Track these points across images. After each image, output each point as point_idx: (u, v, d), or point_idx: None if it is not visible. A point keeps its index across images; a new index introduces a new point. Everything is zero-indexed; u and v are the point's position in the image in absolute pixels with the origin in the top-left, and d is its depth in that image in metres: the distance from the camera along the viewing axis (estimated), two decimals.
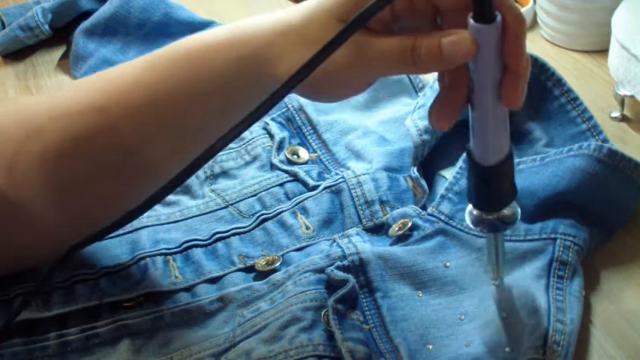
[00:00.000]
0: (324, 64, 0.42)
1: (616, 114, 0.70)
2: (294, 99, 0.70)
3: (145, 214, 0.52)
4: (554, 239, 0.55)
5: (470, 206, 0.50)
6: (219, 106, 0.51)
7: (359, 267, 0.55)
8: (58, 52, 0.86)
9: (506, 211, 0.49)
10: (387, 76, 0.58)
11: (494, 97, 0.44)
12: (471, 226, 0.50)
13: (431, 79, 0.67)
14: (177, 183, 0.43)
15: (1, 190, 0.51)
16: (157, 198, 0.44)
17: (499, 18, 0.42)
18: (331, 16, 0.46)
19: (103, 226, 0.45)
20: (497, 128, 0.46)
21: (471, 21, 0.42)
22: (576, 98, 0.63)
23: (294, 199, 0.62)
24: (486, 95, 0.44)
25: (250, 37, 0.49)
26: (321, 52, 0.41)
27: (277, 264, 0.57)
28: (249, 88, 0.50)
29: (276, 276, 0.56)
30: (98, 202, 0.53)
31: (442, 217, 0.58)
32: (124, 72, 0.53)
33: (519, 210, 0.50)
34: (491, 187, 0.48)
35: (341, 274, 0.54)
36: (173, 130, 0.52)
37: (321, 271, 0.55)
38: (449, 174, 0.62)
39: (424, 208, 0.60)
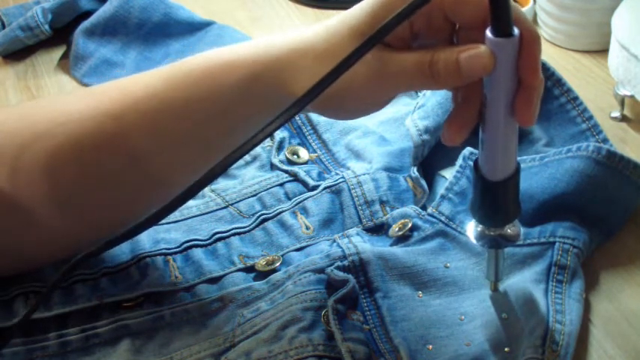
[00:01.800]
0: (344, 81, 0.42)
1: (616, 114, 0.70)
2: None
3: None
4: (553, 243, 0.55)
5: (473, 220, 0.50)
6: (233, 121, 0.51)
7: (359, 267, 0.55)
8: (58, 52, 0.86)
9: (508, 229, 0.50)
10: (407, 92, 0.59)
11: (507, 112, 0.44)
12: (472, 240, 0.51)
13: None
14: (189, 196, 0.42)
15: (4, 192, 0.51)
16: (170, 208, 0.43)
17: (517, 32, 0.42)
18: (353, 34, 0.46)
19: (115, 234, 0.44)
20: (507, 144, 0.46)
21: (489, 34, 0.42)
22: (576, 98, 0.63)
23: (294, 199, 0.62)
24: (499, 110, 0.44)
25: (270, 56, 0.49)
26: (338, 67, 0.41)
27: (277, 264, 0.57)
28: (265, 105, 0.49)
29: (276, 276, 0.56)
30: (102, 209, 0.53)
31: (442, 218, 0.58)
32: (138, 81, 0.53)
33: (522, 229, 0.51)
34: (496, 203, 0.49)
35: (341, 274, 0.54)
36: (184, 143, 0.52)
37: (321, 271, 0.55)
38: (449, 174, 0.62)
39: (424, 208, 0.60)
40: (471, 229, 0.51)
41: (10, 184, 0.51)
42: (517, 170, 0.47)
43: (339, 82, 0.42)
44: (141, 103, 0.51)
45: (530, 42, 0.43)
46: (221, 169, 0.42)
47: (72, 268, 0.45)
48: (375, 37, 0.41)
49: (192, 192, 0.42)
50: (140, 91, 0.52)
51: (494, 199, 0.48)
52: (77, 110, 0.52)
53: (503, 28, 0.42)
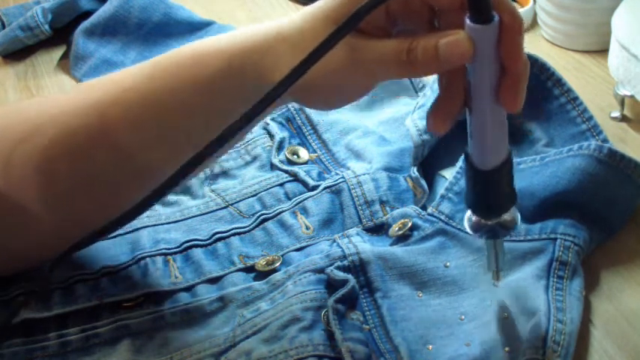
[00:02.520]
0: (321, 71, 0.42)
1: (616, 114, 0.70)
2: None
3: (145, 214, 0.53)
4: (554, 239, 0.55)
5: (468, 212, 0.50)
6: (216, 113, 0.51)
7: (359, 267, 0.55)
8: (58, 52, 0.86)
9: (505, 216, 0.49)
10: (385, 80, 0.58)
11: (492, 99, 0.43)
12: (469, 232, 0.50)
13: (431, 79, 0.67)
14: (172, 184, 0.43)
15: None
16: (152, 199, 0.43)
17: (496, 18, 0.41)
18: (327, 20, 0.46)
19: (104, 223, 0.45)
20: (495, 131, 0.45)
21: (468, 21, 0.41)
22: (576, 98, 0.63)
23: (294, 199, 0.62)
24: (484, 97, 0.43)
25: (247, 46, 0.49)
26: (312, 54, 0.41)
27: (277, 264, 0.57)
28: (246, 95, 0.49)
29: (276, 276, 0.56)
30: (94, 205, 0.53)
31: (442, 218, 0.58)
32: (123, 76, 0.53)
33: (519, 215, 0.50)
34: (489, 192, 0.48)
35: (341, 274, 0.54)
36: (170, 136, 0.52)
37: (321, 271, 0.55)
38: (449, 174, 0.62)
39: (424, 208, 0.60)
40: (467, 220, 0.50)
41: (4, 180, 0.51)
42: (509, 157, 0.46)
43: (317, 72, 0.42)
44: (124, 97, 0.51)
45: (510, 27, 0.42)
46: (200, 158, 0.42)
47: (60, 260, 0.45)
48: (347, 25, 0.41)
49: (177, 177, 0.42)
50: (124, 84, 0.52)
51: (487, 189, 0.47)
52: (68, 105, 0.53)
53: (481, 15, 0.41)
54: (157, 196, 0.44)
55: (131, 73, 0.53)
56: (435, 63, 0.43)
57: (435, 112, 0.46)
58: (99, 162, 0.52)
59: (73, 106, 0.53)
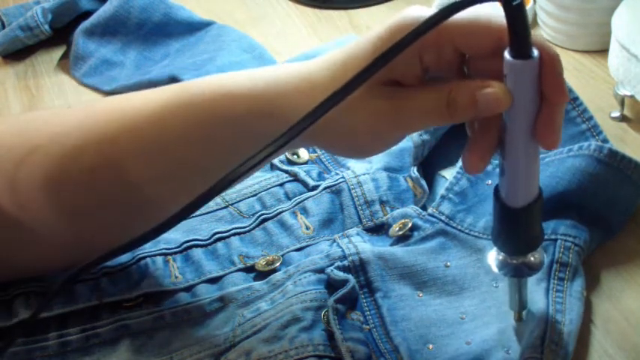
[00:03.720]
0: (364, 122, 0.43)
1: (616, 114, 0.70)
2: None
3: None
4: (555, 240, 0.55)
5: (494, 249, 0.49)
6: (231, 154, 0.50)
7: (359, 267, 0.55)
8: (58, 52, 0.86)
9: (531, 257, 0.48)
10: (421, 130, 0.61)
11: (528, 136, 0.43)
12: (495, 270, 0.49)
13: None
14: (182, 217, 0.42)
15: (5, 208, 0.51)
16: (160, 230, 0.43)
17: (536, 53, 0.41)
18: (359, 69, 0.45)
19: (111, 248, 0.44)
20: (529, 169, 0.45)
21: (508, 57, 0.41)
22: (576, 98, 0.63)
23: (294, 199, 0.62)
24: (519, 135, 0.43)
25: (272, 93, 0.48)
26: (333, 96, 0.41)
27: (277, 264, 0.57)
28: (266, 140, 0.49)
29: (276, 276, 0.56)
30: (99, 228, 0.53)
31: (442, 218, 0.58)
32: (138, 104, 0.52)
33: (545, 256, 0.49)
34: (518, 230, 0.47)
35: (341, 275, 0.54)
36: (180, 172, 0.51)
37: (321, 271, 0.55)
38: (449, 174, 0.62)
39: (424, 208, 0.60)
40: (493, 257, 0.49)
41: (11, 201, 0.51)
42: (539, 195, 0.46)
43: (351, 123, 0.43)
44: (139, 129, 0.51)
45: (551, 61, 0.42)
46: (212, 194, 0.42)
47: (71, 279, 0.45)
48: (367, 71, 0.41)
49: (182, 215, 0.42)
50: (139, 116, 0.51)
51: (517, 227, 0.47)
52: (74, 129, 0.52)
53: (522, 50, 0.41)
54: (157, 232, 0.43)
55: (146, 102, 0.51)
56: (472, 112, 0.44)
57: (471, 153, 0.45)
58: (104, 192, 0.52)
59: (81, 132, 0.52)
